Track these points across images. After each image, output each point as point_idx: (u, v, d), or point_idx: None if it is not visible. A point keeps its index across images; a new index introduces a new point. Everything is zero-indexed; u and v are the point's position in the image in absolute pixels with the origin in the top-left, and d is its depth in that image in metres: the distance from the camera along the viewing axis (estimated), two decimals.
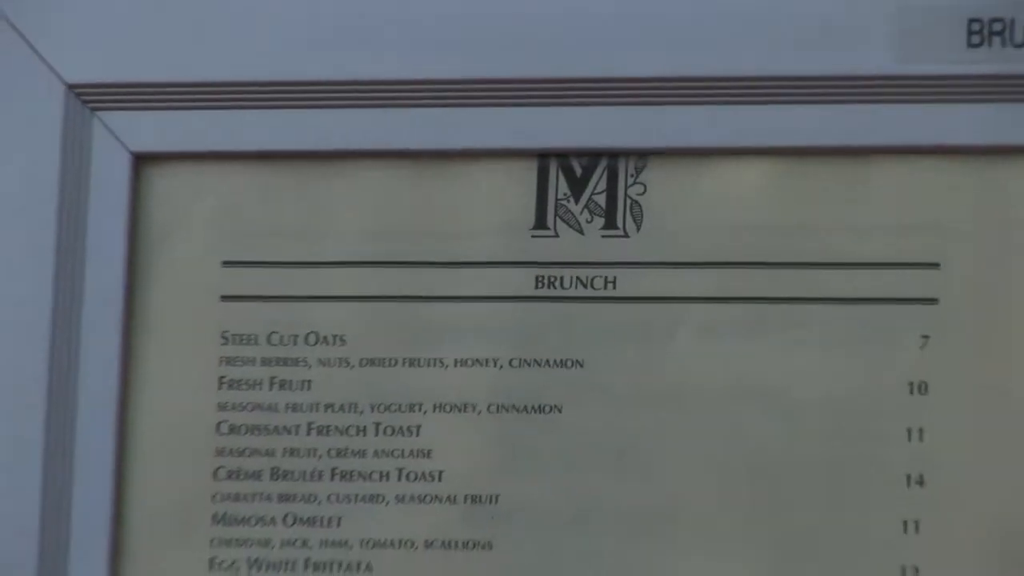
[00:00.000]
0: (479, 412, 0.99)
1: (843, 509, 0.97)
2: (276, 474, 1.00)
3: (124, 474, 1.03)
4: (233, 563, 1.01)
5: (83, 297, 1.04)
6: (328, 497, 1.01)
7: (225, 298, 1.02)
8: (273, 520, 1.00)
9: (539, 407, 0.98)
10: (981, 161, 0.96)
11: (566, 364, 0.98)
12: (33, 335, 1.05)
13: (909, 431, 0.95)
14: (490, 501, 0.98)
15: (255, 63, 1.04)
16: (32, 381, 1.05)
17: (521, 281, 0.98)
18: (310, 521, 1.01)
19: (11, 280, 1.05)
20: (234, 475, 1.01)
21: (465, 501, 0.99)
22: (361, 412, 1.01)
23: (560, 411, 0.98)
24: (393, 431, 1.00)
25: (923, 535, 0.95)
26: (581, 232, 0.99)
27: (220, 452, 1.01)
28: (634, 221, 0.99)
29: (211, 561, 1.01)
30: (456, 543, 0.99)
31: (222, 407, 1.00)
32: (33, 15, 1.09)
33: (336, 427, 1.01)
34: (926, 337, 0.95)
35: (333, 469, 1.01)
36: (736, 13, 0.99)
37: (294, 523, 1.00)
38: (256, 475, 1.02)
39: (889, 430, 0.96)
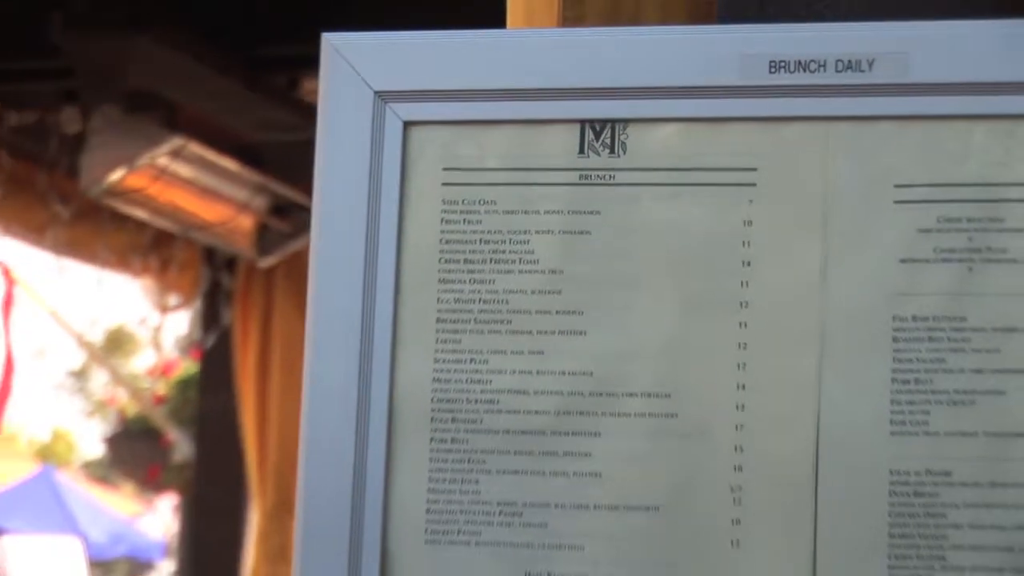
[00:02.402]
0: (553, 233, 1.38)
1: (708, 279, 1.36)
2: (466, 260, 1.39)
3: (401, 265, 1.40)
4: (455, 300, 1.40)
5: (381, 188, 1.40)
6: (487, 270, 1.38)
7: (444, 184, 1.41)
8: (463, 280, 1.39)
9: (580, 231, 1.38)
10: (771, 123, 1.36)
11: (593, 213, 1.37)
12: (356, 215, 1.41)
13: (743, 242, 1.35)
14: (560, 272, 1.37)
15: (459, 75, 1.42)
16: (356, 239, 1.41)
17: (574, 177, 1.39)
18: (480, 280, 1.38)
19: (345, 187, 1.41)
20: (449, 261, 1.39)
21: (547, 272, 1.38)
22: (501, 232, 1.39)
23: (590, 234, 1.37)
24: (514, 242, 1.39)
25: (751, 288, 1.34)
26: (599, 155, 1.38)
27: (442, 251, 1.39)
28: (623, 150, 1.38)
29: (438, 299, 1.40)
30: (545, 291, 1.38)
31: (443, 231, 1.39)
32: (353, 50, 1.43)
33: (492, 240, 1.39)
34: (751, 200, 1.35)
35: (491, 259, 1.39)
36: (670, 56, 1.39)
37: (474, 283, 1.38)
38: (472, 261, 1.40)
39: (733, 242, 1.36)
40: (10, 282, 8.94)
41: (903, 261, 1.33)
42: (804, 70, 1.35)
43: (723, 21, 1.45)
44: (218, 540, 7.14)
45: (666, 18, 1.64)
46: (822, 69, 1.34)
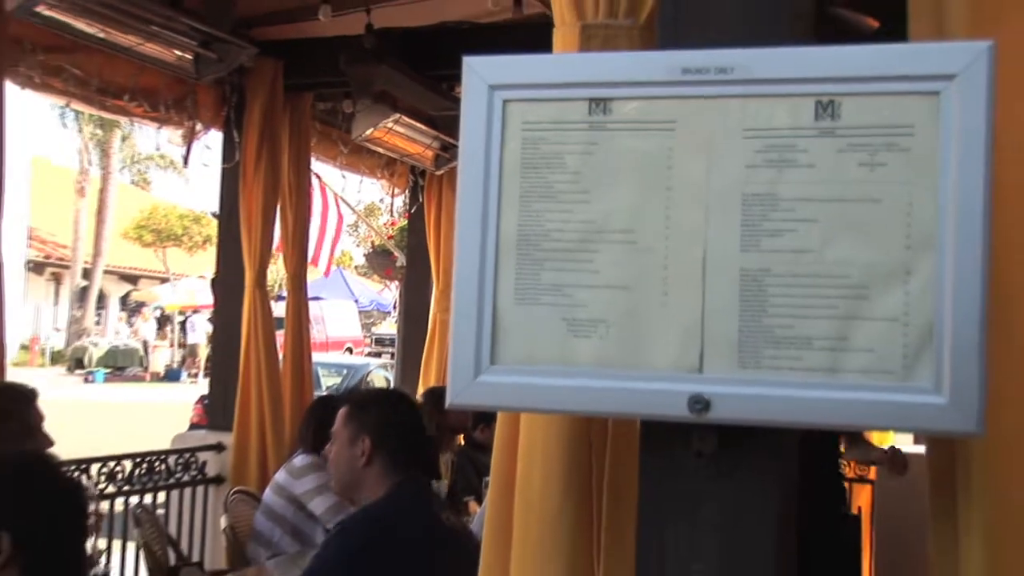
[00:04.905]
0: (575, 154, 1.33)
1: (651, 175, 1.30)
2: (533, 167, 1.34)
3: (502, 171, 1.34)
4: (528, 187, 1.33)
5: (491, 134, 1.34)
6: (543, 172, 1.33)
7: (523, 131, 1.34)
8: (531, 177, 1.34)
9: (588, 153, 1.33)
10: (683, 99, 1.31)
11: (595, 144, 1.32)
12: (479, 148, 1.36)
13: (667, 157, 1.31)
14: (579, 173, 1.33)
15: (531, 76, 1.36)
16: (479, 160, 1.34)
17: (585, 126, 1.32)
18: (539, 177, 1.33)
19: (474, 135, 1.36)
20: (525, 168, 1.34)
21: (572, 173, 1.33)
22: (550, 154, 1.34)
23: (593, 154, 1.33)
24: (556, 158, 1.33)
25: (671, 180, 1.29)
26: (598, 115, 1.33)
27: (522, 164, 1.33)
28: (610, 113, 1.32)
29: (520, 186, 1.33)
30: (571, 182, 1.32)
31: (522, 154, 1.34)
32: (478, 65, 1.38)
33: (546, 157, 1.34)
34: (672, 137, 1.30)
35: (545, 166, 1.34)
36: (633, 66, 1.33)
37: (537, 178, 1.34)
38: (536, 167, 1.33)
39: (662, 157, 1.31)
40: (322, 185, 9.71)
41: (747, 166, 1.31)
42: (699, 72, 1.32)
43: (662, 48, 1.42)
44: (418, 302, 7.42)
45: (632, 48, 1.62)
46: (708, 72, 1.32)
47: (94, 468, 4.64)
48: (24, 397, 3.00)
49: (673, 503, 1.33)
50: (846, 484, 4.47)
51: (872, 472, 4.71)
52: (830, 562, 3.05)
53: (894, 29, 1.46)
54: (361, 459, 2.45)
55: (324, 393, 8.49)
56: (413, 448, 2.51)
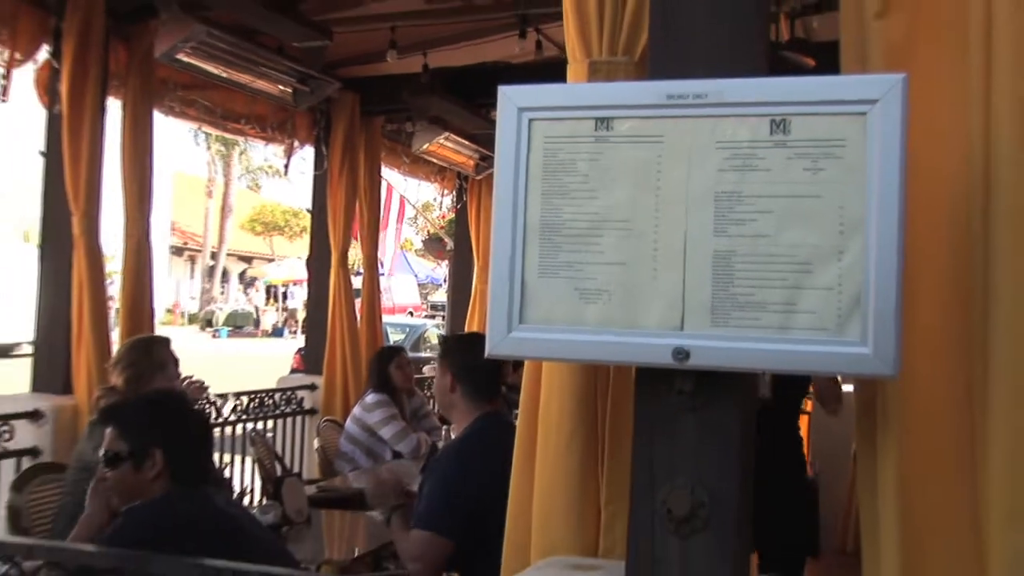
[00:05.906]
0: (585, 161, 1.28)
1: (644, 178, 1.24)
2: (552, 171, 1.28)
3: (528, 174, 1.29)
4: (549, 187, 1.28)
5: (519, 147, 1.29)
6: (560, 175, 1.28)
7: (544, 144, 1.29)
8: (550, 180, 1.28)
9: (595, 160, 1.28)
10: (668, 118, 1.25)
11: (601, 153, 1.28)
12: (510, 158, 1.30)
13: (657, 164, 1.25)
14: (587, 175, 1.28)
15: (550, 100, 1.31)
16: (510, 166, 1.28)
17: (592, 139, 1.27)
18: (556, 179, 1.28)
19: (506, 148, 1.30)
20: (546, 172, 1.28)
21: (582, 176, 1.28)
22: (565, 161, 1.29)
23: (599, 161, 1.27)
24: (570, 164, 1.28)
25: (660, 182, 1.23)
26: (603, 131, 1.28)
27: (544, 169, 1.28)
28: (612, 129, 1.27)
29: (542, 186, 1.28)
30: (581, 183, 1.27)
31: (544, 162, 1.29)
32: (510, 92, 1.33)
33: (562, 163, 1.29)
34: (661, 147, 1.25)
35: (561, 171, 1.28)
36: (629, 93, 1.28)
37: (554, 180, 1.28)
38: (555, 171, 1.28)
39: (653, 164, 1.25)
40: (389, 186, 9.69)
41: (718, 171, 1.26)
42: (681, 98, 1.28)
43: (652, 78, 1.38)
44: (463, 277, 7.32)
45: (628, 78, 1.57)
46: (687, 97, 1.28)
47: (219, 402, 4.71)
48: (152, 344, 3.03)
49: (660, 428, 1.31)
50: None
51: (809, 405, 4.60)
52: (789, 521, 2.97)
53: (828, 66, 1.41)
54: (446, 387, 2.49)
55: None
56: (484, 382, 2.49)
